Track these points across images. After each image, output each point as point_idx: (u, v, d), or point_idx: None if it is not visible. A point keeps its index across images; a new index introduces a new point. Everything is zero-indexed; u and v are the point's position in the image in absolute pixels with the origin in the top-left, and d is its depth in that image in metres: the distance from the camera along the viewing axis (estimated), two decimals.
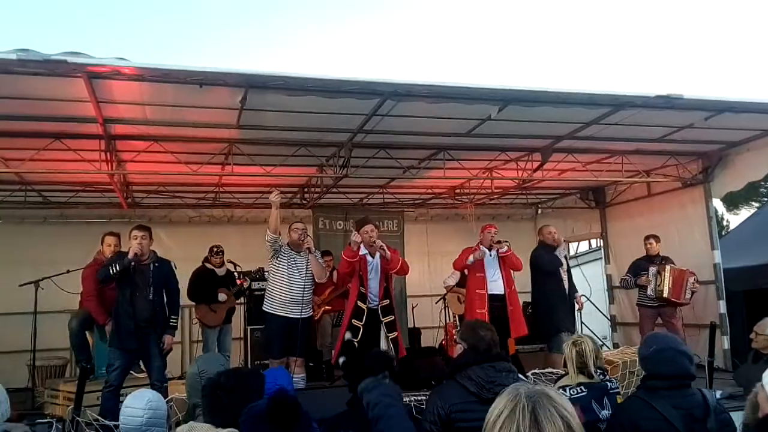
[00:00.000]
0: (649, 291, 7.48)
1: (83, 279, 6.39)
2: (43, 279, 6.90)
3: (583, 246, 13.60)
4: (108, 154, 6.22)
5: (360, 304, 6.24)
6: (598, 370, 3.48)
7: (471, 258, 6.82)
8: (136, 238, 5.41)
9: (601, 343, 8.58)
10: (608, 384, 3.42)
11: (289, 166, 7.11)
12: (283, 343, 6.06)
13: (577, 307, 7.61)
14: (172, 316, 5.66)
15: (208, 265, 7.83)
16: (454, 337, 8.14)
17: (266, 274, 7.33)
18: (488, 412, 1.66)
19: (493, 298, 6.84)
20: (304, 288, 6.08)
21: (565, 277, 7.38)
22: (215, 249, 7.85)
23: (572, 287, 7.54)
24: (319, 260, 6.33)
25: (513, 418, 1.58)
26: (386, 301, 6.36)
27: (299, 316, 6.05)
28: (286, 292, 6.07)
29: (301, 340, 6.10)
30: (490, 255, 6.95)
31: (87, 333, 6.60)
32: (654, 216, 8.76)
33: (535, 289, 7.45)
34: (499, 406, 1.64)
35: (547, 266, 7.24)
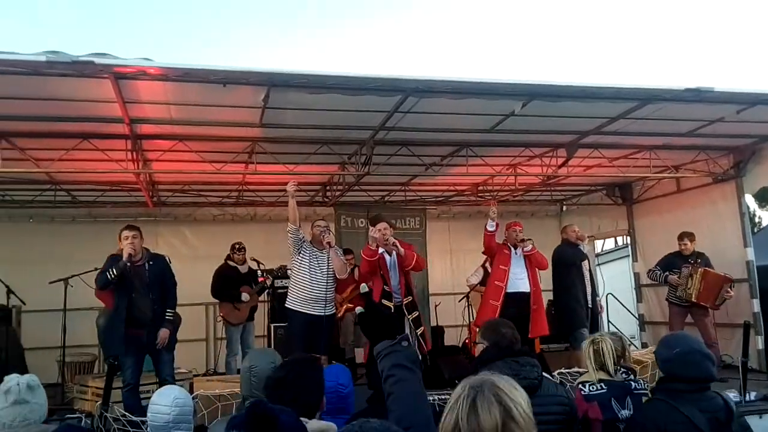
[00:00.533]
0: (678, 291, 7.33)
1: None
2: (72, 276, 7.01)
3: (609, 243, 13.43)
4: (134, 153, 6.29)
5: (386, 302, 6.22)
6: (621, 369, 3.41)
7: (490, 224, 6.81)
8: (127, 239, 5.38)
9: (629, 342, 8.46)
10: (632, 384, 3.34)
11: (312, 164, 7.12)
12: (305, 341, 6.01)
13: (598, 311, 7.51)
14: (168, 310, 5.60)
15: (231, 263, 7.88)
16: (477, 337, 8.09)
17: (289, 271, 7.38)
18: None
19: (516, 295, 6.78)
20: (326, 285, 6.04)
21: (587, 273, 7.30)
22: (237, 246, 7.89)
23: (594, 288, 7.43)
24: (340, 256, 6.29)
25: (454, 408, 1.61)
26: (409, 298, 6.34)
27: (322, 314, 6.01)
28: (308, 289, 6.04)
29: (324, 338, 6.08)
30: (516, 253, 6.92)
31: None
32: (684, 212, 8.60)
33: (557, 284, 7.39)
34: (450, 398, 1.68)
35: (569, 258, 7.20)
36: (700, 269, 7.17)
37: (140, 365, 5.59)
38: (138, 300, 5.44)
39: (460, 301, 8.83)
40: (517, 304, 6.72)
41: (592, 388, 3.24)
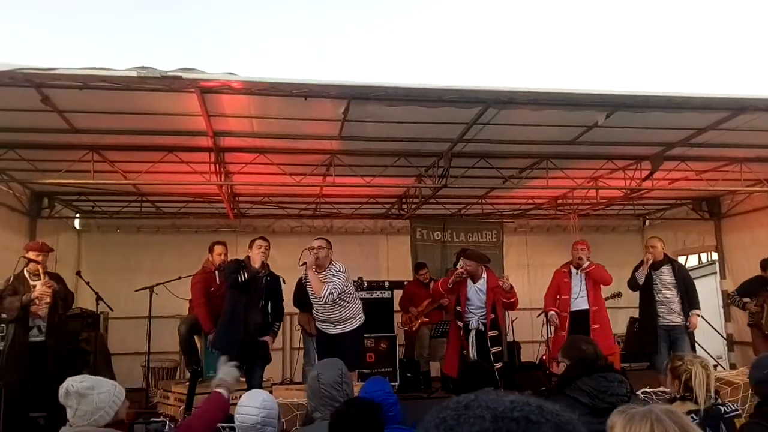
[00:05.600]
0: (754, 319, 7.08)
1: (192, 286, 6.68)
2: (157, 285, 7.26)
3: (693, 260, 12.85)
4: (217, 166, 6.46)
5: (457, 322, 6.41)
6: (708, 393, 3.19)
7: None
8: (260, 248, 5.73)
9: (715, 363, 8.05)
10: (721, 408, 3.14)
11: (388, 176, 7.14)
12: (326, 356, 5.51)
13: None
14: (276, 323, 5.95)
15: None
16: (558, 354, 7.89)
17: (364, 284, 7.55)
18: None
19: (576, 314, 6.68)
20: (323, 308, 5.84)
21: (661, 288, 6.80)
22: None
23: (684, 301, 6.78)
24: (325, 276, 5.78)
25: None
26: (492, 316, 6.29)
27: (332, 332, 5.90)
28: (315, 312, 6.03)
29: (346, 354, 5.50)
30: (576, 273, 6.82)
31: (195, 337, 6.90)
32: None
33: None
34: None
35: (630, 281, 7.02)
36: None
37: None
38: (251, 307, 5.67)
39: (538, 316, 8.61)
40: (577, 323, 6.59)
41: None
